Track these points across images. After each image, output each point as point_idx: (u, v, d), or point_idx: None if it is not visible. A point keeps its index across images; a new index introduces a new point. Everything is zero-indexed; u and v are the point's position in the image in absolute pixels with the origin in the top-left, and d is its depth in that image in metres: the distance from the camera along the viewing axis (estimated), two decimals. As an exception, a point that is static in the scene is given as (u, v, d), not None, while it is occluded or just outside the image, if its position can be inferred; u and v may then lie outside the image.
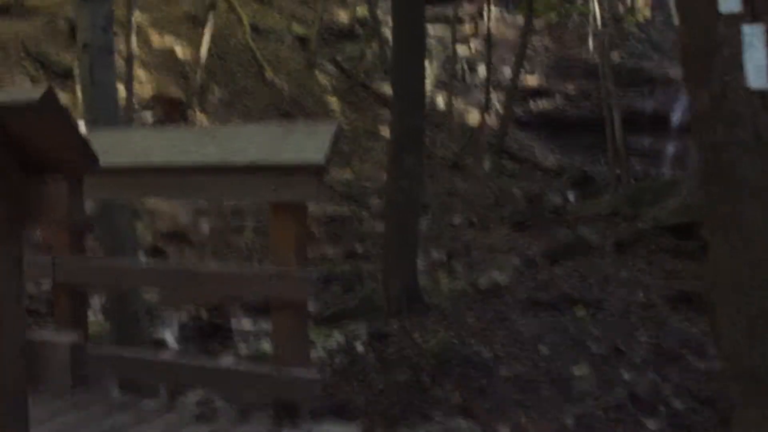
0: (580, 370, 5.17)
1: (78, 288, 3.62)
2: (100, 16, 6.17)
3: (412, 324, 7.12)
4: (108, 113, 6.15)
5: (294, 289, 3.10)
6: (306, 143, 2.96)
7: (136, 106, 15.02)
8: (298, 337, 3.19)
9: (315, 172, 2.99)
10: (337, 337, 7.27)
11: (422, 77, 8.41)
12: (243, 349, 8.09)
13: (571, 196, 19.08)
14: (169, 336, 8.39)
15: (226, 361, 5.30)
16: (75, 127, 2.04)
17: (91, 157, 2.16)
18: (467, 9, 28.53)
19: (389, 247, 8.27)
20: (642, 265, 8.31)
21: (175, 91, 16.91)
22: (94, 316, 7.90)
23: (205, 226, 13.24)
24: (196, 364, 3.85)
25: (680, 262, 7.96)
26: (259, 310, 8.70)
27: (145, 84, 16.51)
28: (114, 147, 3.31)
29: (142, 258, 11.21)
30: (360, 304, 8.52)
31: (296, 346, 3.19)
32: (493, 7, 26.74)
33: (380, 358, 6.31)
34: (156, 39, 18.41)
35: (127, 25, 14.27)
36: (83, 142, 2.11)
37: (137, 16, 16.93)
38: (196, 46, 17.76)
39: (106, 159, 3.21)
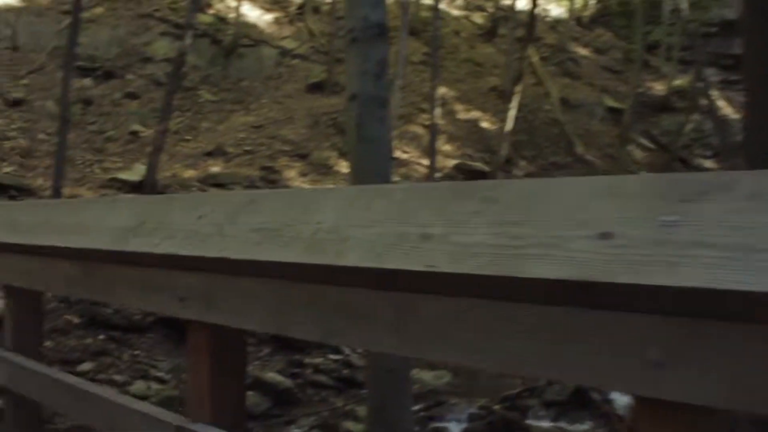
0: None
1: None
2: (373, 60, 4.68)
3: None
4: (378, 176, 4.62)
5: None
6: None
7: (438, 177, 14.16)
8: None
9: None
10: None
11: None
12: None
13: None
14: (455, 428, 7.25)
15: None
16: None
17: None
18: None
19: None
20: None
21: (479, 164, 15.92)
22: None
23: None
24: None
25: None
26: (561, 404, 7.62)
27: (449, 155, 15.75)
28: (282, 225, 1.33)
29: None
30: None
31: None
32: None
33: None
34: (462, 112, 17.66)
35: (432, 99, 13.74)
36: None
37: (444, 91, 16.35)
38: (502, 119, 16.67)
39: (254, 250, 1.24)
